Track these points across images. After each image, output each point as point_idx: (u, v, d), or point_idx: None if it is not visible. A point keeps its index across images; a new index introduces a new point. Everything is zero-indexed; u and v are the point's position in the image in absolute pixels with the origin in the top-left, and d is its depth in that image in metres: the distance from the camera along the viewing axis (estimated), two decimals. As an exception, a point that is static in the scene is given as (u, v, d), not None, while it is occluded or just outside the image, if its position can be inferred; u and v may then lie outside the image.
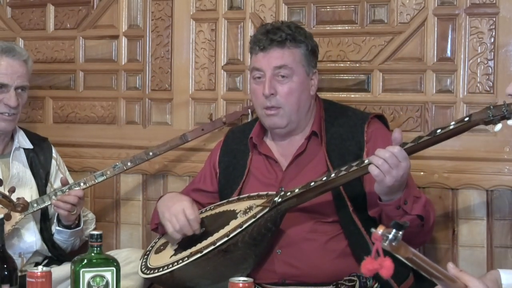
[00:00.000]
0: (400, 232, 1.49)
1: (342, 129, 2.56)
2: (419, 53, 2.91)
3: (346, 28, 3.00)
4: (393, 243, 1.49)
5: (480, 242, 2.83)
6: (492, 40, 2.80)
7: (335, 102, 2.73)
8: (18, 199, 2.69)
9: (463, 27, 2.84)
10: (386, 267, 1.47)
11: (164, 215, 2.49)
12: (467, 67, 2.84)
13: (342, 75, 3.02)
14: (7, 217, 2.64)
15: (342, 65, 3.01)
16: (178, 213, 2.44)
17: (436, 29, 2.88)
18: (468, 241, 2.85)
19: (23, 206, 2.70)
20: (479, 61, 2.80)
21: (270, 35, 2.53)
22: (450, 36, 2.86)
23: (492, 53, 2.80)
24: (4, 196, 2.65)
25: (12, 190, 2.69)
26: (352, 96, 3.00)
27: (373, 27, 2.97)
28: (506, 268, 1.96)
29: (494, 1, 2.80)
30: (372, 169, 2.19)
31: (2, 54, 2.83)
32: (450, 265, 1.72)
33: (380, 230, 1.49)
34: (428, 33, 2.89)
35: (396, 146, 2.20)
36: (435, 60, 2.89)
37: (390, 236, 1.48)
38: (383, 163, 2.17)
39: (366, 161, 2.25)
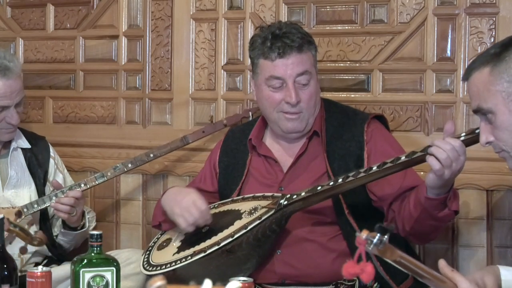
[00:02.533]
0: (385, 236, 1.49)
1: (342, 129, 2.55)
2: (419, 53, 2.91)
3: (346, 28, 3.00)
4: (379, 247, 1.48)
5: (480, 242, 2.83)
6: (492, 40, 2.80)
7: (335, 102, 2.73)
8: (35, 232, 2.69)
9: (463, 27, 2.84)
10: (367, 272, 1.46)
11: (174, 211, 2.46)
12: (467, 67, 2.83)
13: (342, 75, 3.02)
14: (23, 250, 2.65)
15: (342, 65, 3.01)
16: (190, 206, 2.43)
17: (436, 29, 2.88)
18: (468, 241, 2.85)
19: (40, 241, 2.70)
20: (479, 61, 2.80)
21: (285, 40, 2.47)
22: (450, 36, 2.86)
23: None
24: (21, 229, 2.66)
25: (31, 223, 2.70)
26: (352, 96, 3.00)
27: (373, 27, 2.97)
28: (506, 268, 1.96)
29: (494, 1, 2.80)
30: (433, 163, 2.12)
31: None
32: (442, 262, 1.72)
33: (364, 234, 1.49)
34: (428, 33, 2.89)
35: (456, 139, 2.14)
36: (435, 60, 2.89)
37: (375, 240, 1.48)
38: (447, 158, 2.11)
39: (374, 168, 2.22)
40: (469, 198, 2.84)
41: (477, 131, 2.12)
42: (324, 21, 3.03)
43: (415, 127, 2.91)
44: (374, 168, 2.23)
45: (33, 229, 2.70)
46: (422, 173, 2.85)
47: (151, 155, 2.99)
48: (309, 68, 2.50)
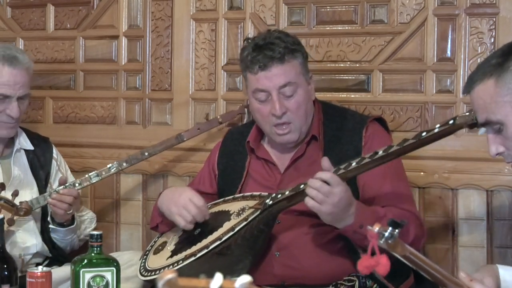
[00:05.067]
0: (397, 230, 1.49)
1: (341, 133, 2.54)
2: (419, 53, 2.91)
3: (346, 28, 3.00)
4: (389, 241, 1.48)
5: (480, 242, 2.83)
6: (492, 40, 2.80)
7: (333, 104, 2.72)
8: (20, 203, 2.69)
9: (463, 27, 2.84)
10: (382, 264, 1.46)
11: (172, 210, 2.47)
12: (467, 67, 2.84)
13: (342, 75, 3.02)
14: (10, 222, 2.62)
15: (342, 65, 3.01)
16: (187, 204, 2.43)
17: (436, 29, 2.88)
18: (468, 241, 2.85)
19: (26, 210, 2.69)
20: (479, 61, 2.80)
21: (267, 52, 2.45)
22: (450, 36, 2.86)
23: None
24: (6, 201, 2.65)
25: (16, 193, 2.68)
26: (352, 96, 3.00)
27: (373, 27, 2.97)
28: (505, 268, 1.96)
29: (494, 1, 2.80)
30: (307, 201, 2.20)
31: (4, 63, 2.76)
32: (462, 274, 1.73)
33: (376, 227, 1.48)
34: (428, 33, 2.89)
35: (327, 172, 2.20)
36: (435, 60, 2.89)
37: (386, 234, 1.48)
38: (317, 194, 2.17)
39: (353, 164, 2.24)
40: (469, 198, 2.85)
41: (406, 143, 2.17)
42: (324, 21, 3.03)
43: (415, 128, 2.91)
44: (353, 164, 2.23)
45: (17, 200, 2.69)
46: (422, 173, 2.86)
47: (146, 154, 2.98)
48: (292, 78, 2.47)
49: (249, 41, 2.57)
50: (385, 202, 2.41)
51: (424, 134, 2.18)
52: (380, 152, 2.21)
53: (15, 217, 2.68)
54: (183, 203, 2.44)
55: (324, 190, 2.17)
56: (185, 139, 3.02)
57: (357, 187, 2.44)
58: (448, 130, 2.17)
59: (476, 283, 1.70)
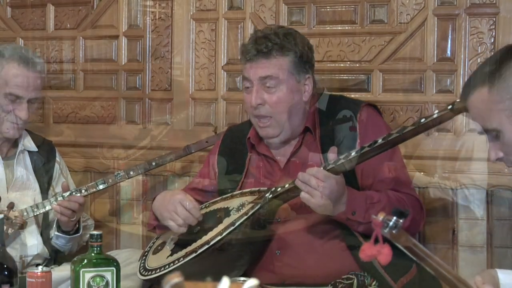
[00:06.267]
0: (401, 220, 1.48)
1: (335, 120, 2.56)
2: (419, 53, 2.91)
3: (346, 28, 3.00)
4: (394, 231, 1.48)
5: (480, 242, 2.83)
6: (492, 40, 2.80)
7: (327, 93, 2.70)
8: (16, 217, 2.69)
9: (463, 27, 2.84)
10: (384, 254, 1.46)
11: (163, 215, 2.48)
12: (467, 67, 2.84)
13: (342, 75, 3.02)
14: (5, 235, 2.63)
15: (342, 65, 3.01)
16: (176, 207, 2.44)
17: (436, 29, 2.88)
18: (468, 241, 2.85)
19: (21, 225, 2.70)
20: (479, 61, 2.80)
21: (257, 46, 2.51)
22: (450, 36, 2.86)
23: (492, 53, 2.80)
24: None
25: (11, 206, 2.69)
26: (352, 96, 2.99)
27: (373, 27, 2.97)
28: (505, 268, 1.96)
29: (494, 1, 2.80)
30: (301, 194, 2.27)
31: (20, 64, 2.78)
32: (478, 278, 1.74)
33: (380, 216, 1.48)
34: (428, 33, 2.89)
35: (315, 167, 2.27)
36: (435, 60, 2.89)
37: (391, 223, 1.48)
38: (306, 186, 2.25)
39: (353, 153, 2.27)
40: (469, 198, 2.84)
41: (405, 130, 2.18)
42: (324, 21, 3.03)
43: (415, 127, 2.90)
44: (353, 154, 2.25)
45: (13, 214, 2.69)
46: (422, 173, 2.86)
47: (153, 164, 2.99)
48: (275, 73, 2.50)
49: (255, 31, 2.66)
50: (384, 186, 2.44)
51: (423, 120, 2.20)
52: (380, 140, 2.23)
53: (9, 230, 2.68)
54: (173, 208, 2.45)
55: (312, 183, 2.23)
56: (193, 151, 3.03)
57: (355, 174, 2.45)
58: (447, 116, 2.18)
59: (488, 286, 1.71)
